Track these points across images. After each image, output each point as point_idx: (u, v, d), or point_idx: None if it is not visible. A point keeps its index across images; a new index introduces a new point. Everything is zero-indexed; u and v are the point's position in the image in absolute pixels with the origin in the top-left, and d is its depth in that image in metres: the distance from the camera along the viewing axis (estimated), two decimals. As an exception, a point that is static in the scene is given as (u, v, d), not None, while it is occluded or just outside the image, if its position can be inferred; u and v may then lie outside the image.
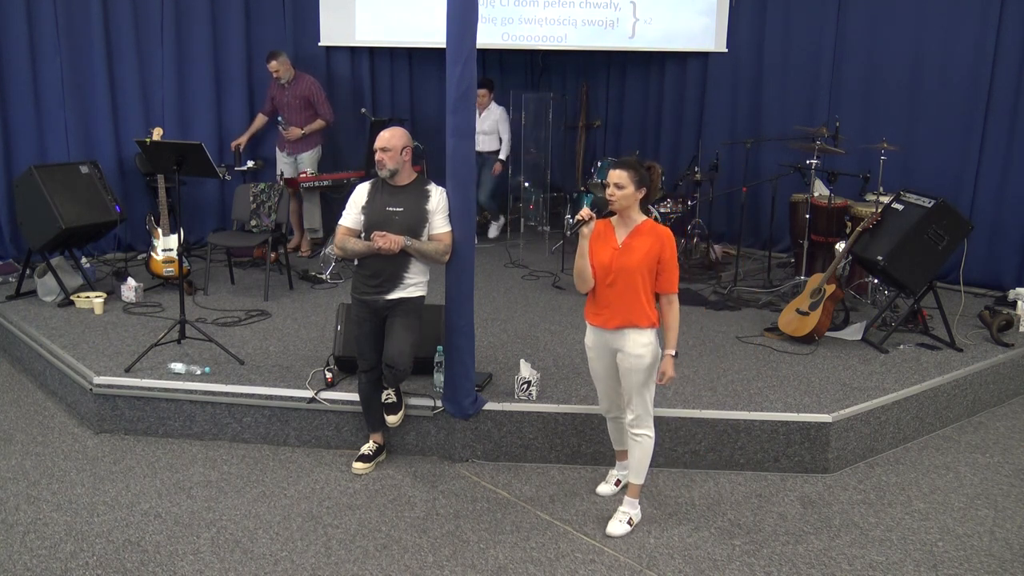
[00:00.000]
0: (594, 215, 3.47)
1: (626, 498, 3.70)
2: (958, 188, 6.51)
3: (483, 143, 7.56)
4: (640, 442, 3.57)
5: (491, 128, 7.75)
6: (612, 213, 3.51)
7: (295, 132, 7.15)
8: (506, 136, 7.78)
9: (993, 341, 5.28)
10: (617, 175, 3.40)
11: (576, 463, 4.22)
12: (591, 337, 3.64)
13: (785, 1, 7.46)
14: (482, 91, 7.42)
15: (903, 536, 3.64)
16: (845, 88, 7.14)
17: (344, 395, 4.31)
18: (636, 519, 3.67)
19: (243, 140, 7.33)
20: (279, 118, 7.24)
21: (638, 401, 3.52)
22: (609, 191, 3.43)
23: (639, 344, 3.45)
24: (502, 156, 7.79)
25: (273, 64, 7.00)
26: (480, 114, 7.49)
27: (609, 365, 3.61)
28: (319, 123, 7.25)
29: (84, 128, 6.92)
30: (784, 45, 7.51)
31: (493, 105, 7.75)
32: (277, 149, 7.40)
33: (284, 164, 7.35)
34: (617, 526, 3.62)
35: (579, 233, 3.46)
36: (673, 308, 3.49)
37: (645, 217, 3.50)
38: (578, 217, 3.45)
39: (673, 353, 3.48)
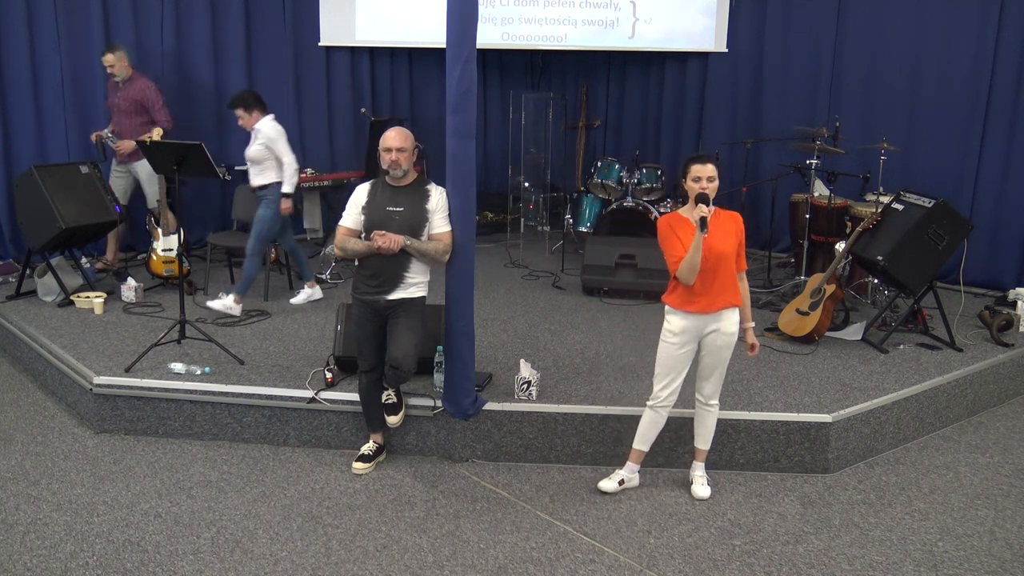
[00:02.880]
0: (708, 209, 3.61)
1: (696, 462, 4.01)
2: (958, 188, 6.51)
3: (254, 175, 5.65)
4: (713, 411, 3.90)
5: (259, 155, 5.55)
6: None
7: (127, 146, 6.39)
8: (287, 159, 5.57)
9: (993, 341, 5.28)
10: (710, 169, 3.63)
11: (576, 463, 4.22)
12: (682, 324, 3.72)
13: (785, 1, 7.47)
14: (238, 111, 5.62)
15: (903, 536, 3.64)
16: (845, 88, 7.14)
17: (344, 395, 4.31)
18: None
19: (105, 132, 6.57)
20: (106, 131, 6.53)
21: (719, 375, 3.82)
22: (701, 184, 3.61)
23: (734, 322, 3.75)
24: (286, 189, 5.59)
25: (109, 57, 6.30)
26: (252, 140, 5.63)
27: (690, 353, 3.78)
28: (155, 131, 6.28)
29: (84, 128, 6.92)
30: (784, 45, 7.51)
31: (264, 122, 5.63)
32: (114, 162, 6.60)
33: (117, 177, 6.55)
34: (702, 489, 3.95)
35: (703, 229, 3.56)
36: (745, 283, 3.82)
37: (714, 206, 3.71)
38: (702, 215, 3.54)
39: (753, 324, 3.87)
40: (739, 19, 7.79)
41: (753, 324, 3.86)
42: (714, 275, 3.65)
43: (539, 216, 8.43)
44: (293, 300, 5.92)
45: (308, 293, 5.97)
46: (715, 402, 3.89)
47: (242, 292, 5.59)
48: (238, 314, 5.54)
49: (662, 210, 6.93)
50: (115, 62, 6.34)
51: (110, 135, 6.50)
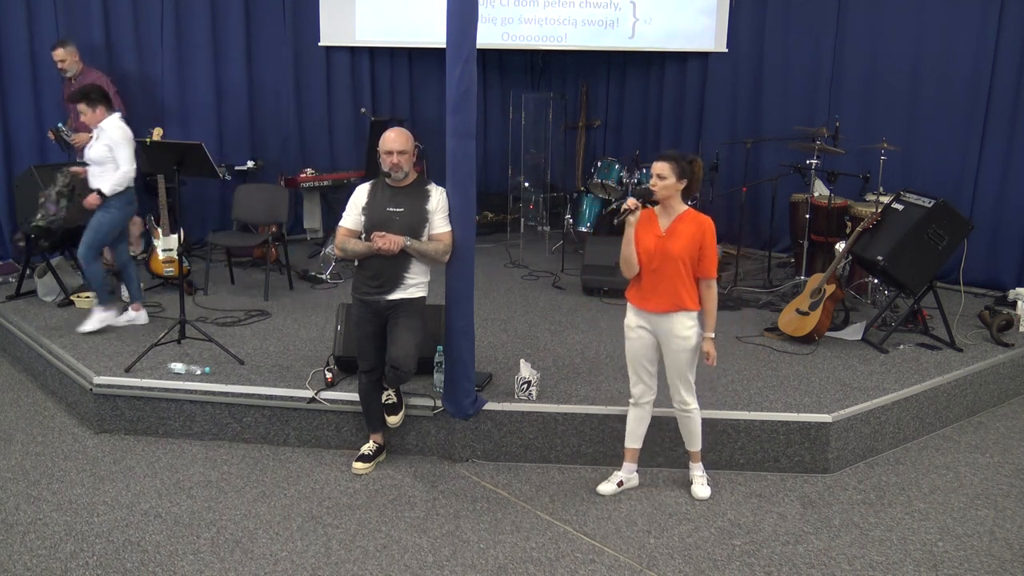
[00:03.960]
0: (639, 204, 3.67)
1: (693, 464, 3.98)
2: (958, 188, 6.51)
3: (95, 177, 5.12)
4: (690, 415, 3.83)
5: (101, 156, 5.07)
6: (655, 203, 3.71)
7: (83, 139, 5.92)
8: (125, 167, 5.05)
9: (993, 341, 5.28)
10: (660, 167, 3.60)
11: (576, 463, 4.22)
12: (634, 319, 3.79)
13: (785, 1, 7.46)
14: (80, 106, 5.10)
15: (903, 536, 3.64)
16: (845, 88, 7.14)
17: (344, 395, 4.31)
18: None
19: (59, 126, 6.32)
20: (59, 125, 6.25)
21: (684, 381, 3.75)
22: (652, 181, 3.64)
23: (686, 326, 3.66)
24: (105, 188, 5.04)
25: (59, 52, 6.18)
26: (94, 139, 5.12)
27: (649, 346, 3.77)
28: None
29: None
30: (784, 45, 7.51)
31: (110, 120, 5.12)
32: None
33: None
34: (702, 489, 3.92)
35: (626, 222, 3.67)
36: (712, 292, 3.70)
37: (687, 207, 3.70)
38: (625, 206, 3.64)
39: (712, 335, 3.73)
40: (739, 19, 7.79)
41: (712, 335, 3.73)
42: (662, 275, 3.64)
43: (539, 216, 8.43)
44: (82, 328, 5.16)
45: (132, 316, 5.34)
46: (689, 407, 3.81)
47: (104, 301, 5.25)
48: (114, 320, 5.25)
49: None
50: (65, 56, 6.23)
51: (64, 129, 6.26)
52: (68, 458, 4.17)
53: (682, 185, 3.62)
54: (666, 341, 3.71)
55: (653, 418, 3.99)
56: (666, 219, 3.68)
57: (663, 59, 8.35)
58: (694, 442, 3.92)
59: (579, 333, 5.40)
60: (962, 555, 3.49)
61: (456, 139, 3.92)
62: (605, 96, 9.08)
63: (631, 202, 3.64)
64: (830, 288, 5.16)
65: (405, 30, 7.95)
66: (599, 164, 7.23)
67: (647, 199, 3.72)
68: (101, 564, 3.31)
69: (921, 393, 4.55)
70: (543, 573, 3.34)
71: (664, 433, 4.12)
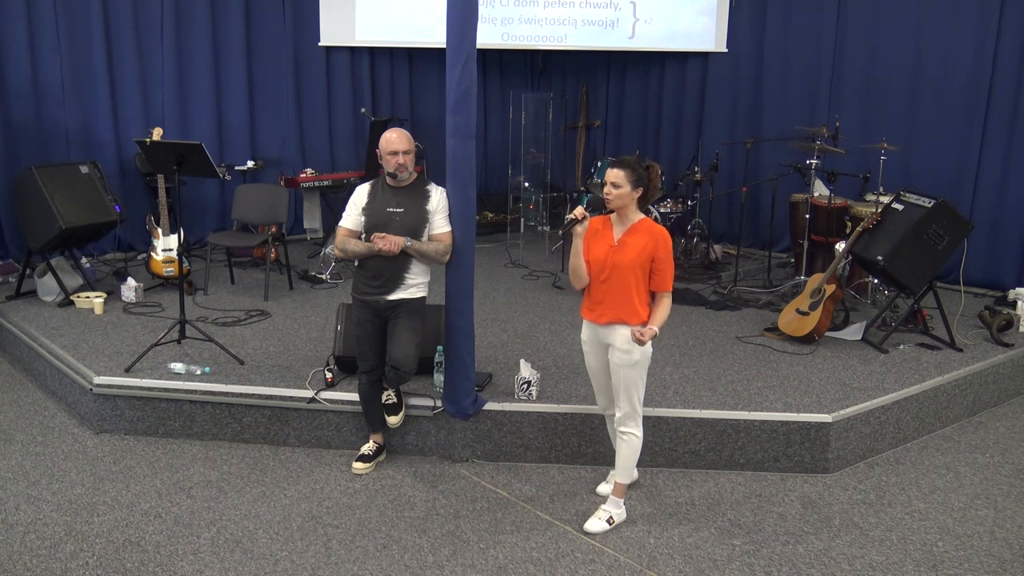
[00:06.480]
0: (588, 214, 3.50)
1: (610, 496, 3.69)
2: (958, 188, 6.52)
3: None
4: (627, 440, 3.58)
5: None
6: (610, 211, 3.52)
7: None
8: None
9: (993, 341, 5.28)
10: (614, 174, 3.41)
11: (576, 463, 4.22)
12: (586, 332, 3.67)
13: (785, 1, 7.47)
14: None
15: (903, 536, 3.64)
16: (845, 88, 7.15)
17: (344, 395, 4.31)
18: (617, 519, 3.66)
19: None
20: None
21: (625, 398, 3.52)
22: (606, 190, 3.44)
23: (628, 340, 3.45)
24: None
25: None
26: None
27: (603, 360, 3.62)
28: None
29: (84, 128, 6.92)
30: (784, 45, 7.52)
31: None
32: None
33: None
34: (595, 523, 3.63)
35: (573, 231, 3.50)
36: (665, 302, 3.48)
37: (643, 216, 3.51)
38: (571, 216, 3.48)
39: (656, 329, 3.43)
40: (739, 19, 7.80)
41: (656, 329, 3.41)
42: (611, 286, 3.46)
43: (539, 216, 8.44)
44: None
45: None
46: (627, 429, 3.55)
47: None
48: None
49: (662, 210, 6.94)
50: None
51: None
52: (68, 458, 4.17)
53: (638, 194, 3.41)
54: (611, 354, 3.52)
55: (653, 418, 4.00)
56: (620, 228, 3.47)
57: (663, 59, 8.36)
58: (622, 472, 3.62)
59: (579, 333, 5.38)
60: (962, 555, 3.49)
61: (456, 139, 3.92)
62: (605, 96, 9.09)
63: (578, 211, 3.45)
64: (830, 288, 5.16)
65: (405, 30, 7.95)
66: (599, 164, 7.24)
67: (598, 209, 3.53)
68: (101, 564, 3.31)
69: (921, 393, 4.55)
70: (543, 573, 3.34)
71: (664, 433, 4.12)
